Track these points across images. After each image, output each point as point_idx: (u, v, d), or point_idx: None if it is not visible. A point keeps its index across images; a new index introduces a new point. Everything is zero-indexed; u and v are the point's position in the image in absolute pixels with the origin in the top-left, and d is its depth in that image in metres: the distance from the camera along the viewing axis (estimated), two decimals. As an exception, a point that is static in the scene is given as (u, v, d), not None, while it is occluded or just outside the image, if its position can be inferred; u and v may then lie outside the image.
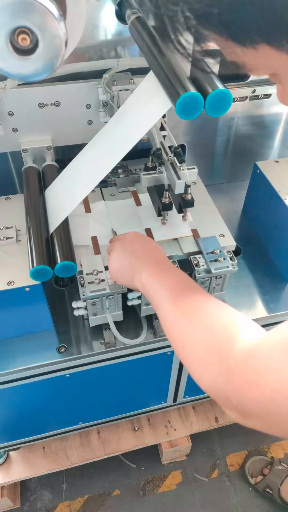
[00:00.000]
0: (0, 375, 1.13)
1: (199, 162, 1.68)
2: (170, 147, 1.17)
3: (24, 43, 0.67)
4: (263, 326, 1.28)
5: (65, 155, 1.39)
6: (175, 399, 1.58)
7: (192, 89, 0.78)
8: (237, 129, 1.61)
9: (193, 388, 1.55)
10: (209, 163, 1.72)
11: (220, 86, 0.79)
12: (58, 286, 1.33)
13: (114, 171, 1.34)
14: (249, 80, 1.44)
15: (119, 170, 1.34)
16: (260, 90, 1.45)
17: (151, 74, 0.94)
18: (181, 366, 1.38)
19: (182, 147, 1.57)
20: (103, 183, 1.39)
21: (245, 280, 1.38)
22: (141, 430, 1.74)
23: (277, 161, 1.45)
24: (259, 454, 1.88)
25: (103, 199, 1.30)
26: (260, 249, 1.48)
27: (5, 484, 1.63)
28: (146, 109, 0.94)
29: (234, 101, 1.47)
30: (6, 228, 1.17)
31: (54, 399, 1.34)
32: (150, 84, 0.95)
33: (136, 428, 1.74)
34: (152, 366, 1.33)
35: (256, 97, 1.48)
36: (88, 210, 1.26)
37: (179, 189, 1.06)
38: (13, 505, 1.70)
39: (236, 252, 1.47)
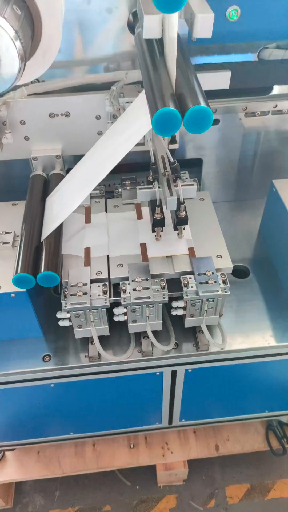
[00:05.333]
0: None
1: (219, 177, 1.62)
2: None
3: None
4: (263, 356, 1.22)
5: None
6: (170, 421, 1.52)
7: (171, 106, 0.74)
8: (263, 144, 1.54)
9: (190, 411, 1.48)
10: (231, 179, 1.65)
11: (202, 103, 0.75)
12: (57, 294, 1.33)
13: (122, 183, 1.33)
14: (271, 93, 1.36)
15: (126, 182, 1.32)
16: (283, 105, 1.37)
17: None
18: (173, 387, 1.33)
19: (198, 161, 1.53)
20: (110, 195, 1.38)
21: (249, 304, 1.31)
22: (137, 448, 1.70)
23: (295, 181, 1.36)
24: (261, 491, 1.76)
25: (106, 210, 1.29)
26: (271, 273, 1.39)
27: (-1, 483, 1.66)
28: (136, 122, 0.92)
29: (255, 116, 1.41)
30: (6, 233, 1.20)
31: (42, 406, 1.34)
32: (141, 99, 0.93)
33: (132, 446, 1.70)
34: (141, 385, 1.29)
35: (279, 112, 1.40)
36: (88, 220, 1.25)
37: (170, 205, 1.03)
38: (5, 505, 1.72)
39: (244, 274, 1.40)
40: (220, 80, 1.16)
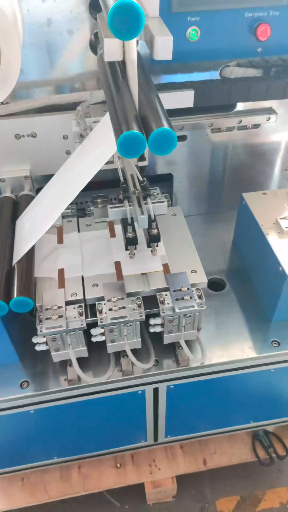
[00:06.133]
0: None
1: (190, 191, 1.64)
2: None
3: None
4: (243, 368, 1.22)
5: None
6: (155, 439, 1.50)
7: (135, 129, 0.75)
8: (232, 158, 1.57)
9: (174, 427, 1.47)
10: (202, 192, 1.67)
11: (165, 124, 0.76)
12: (32, 317, 1.31)
13: (93, 201, 1.33)
14: (235, 110, 1.39)
15: (98, 200, 1.32)
16: (247, 120, 1.40)
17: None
18: (156, 405, 1.32)
19: (169, 176, 1.54)
20: (82, 212, 1.37)
21: (227, 317, 1.31)
22: (124, 467, 1.67)
23: (264, 193, 1.38)
24: (252, 502, 1.76)
25: (78, 229, 1.28)
26: (246, 284, 1.40)
27: (-18, 515, 1.60)
28: (103, 141, 0.92)
29: (221, 131, 1.43)
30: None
31: (23, 433, 1.30)
32: (107, 120, 0.94)
33: (119, 465, 1.67)
34: (123, 405, 1.27)
35: (244, 127, 1.43)
36: (60, 240, 1.24)
37: (142, 224, 1.03)
38: (-10, 537, 1.66)
39: (221, 286, 1.41)
40: (184, 99, 1.18)
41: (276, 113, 1.38)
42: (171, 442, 1.57)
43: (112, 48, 0.85)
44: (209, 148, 1.50)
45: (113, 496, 1.79)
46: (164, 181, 1.56)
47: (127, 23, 0.63)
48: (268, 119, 1.39)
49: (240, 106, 1.38)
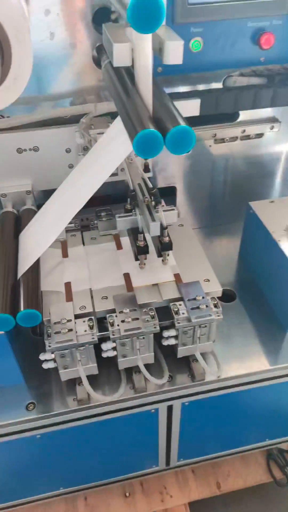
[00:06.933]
0: None
1: (193, 204, 1.62)
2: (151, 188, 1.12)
3: None
4: (261, 380, 1.17)
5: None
6: (168, 463, 1.42)
7: (151, 127, 0.73)
8: (234, 169, 1.56)
9: (188, 449, 1.40)
10: (206, 205, 1.65)
11: (182, 123, 0.74)
12: (35, 335, 1.25)
13: (97, 215, 1.30)
14: (238, 120, 1.40)
15: (102, 214, 1.29)
16: (251, 130, 1.41)
17: (118, 117, 0.91)
18: (169, 424, 1.25)
19: (172, 189, 1.53)
20: (85, 227, 1.34)
21: (239, 328, 1.27)
22: (133, 496, 1.57)
23: (272, 201, 1.37)
24: (269, 527, 1.66)
25: (83, 243, 1.25)
26: (257, 294, 1.37)
27: None
28: (110, 151, 0.90)
29: (224, 142, 1.43)
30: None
31: (27, 461, 1.22)
32: (116, 127, 0.92)
33: (128, 494, 1.57)
34: (135, 425, 1.20)
35: (247, 137, 1.43)
36: (65, 254, 1.20)
37: (154, 231, 1.00)
38: None
39: (231, 298, 1.38)
40: (190, 107, 1.17)
41: (280, 122, 1.39)
42: (183, 466, 1.49)
43: (121, 53, 0.84)
44: (211, 160, 1.50)
45: (122, 528, 1.68)
46: (168, 195, 1.54)
47: (148, 15, 0.62)
48: (272, 127, 1.40)
49: (243, 116, 1.39)
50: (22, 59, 0.67)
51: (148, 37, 0.77)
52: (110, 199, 1.46)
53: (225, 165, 1.54)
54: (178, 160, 1.47)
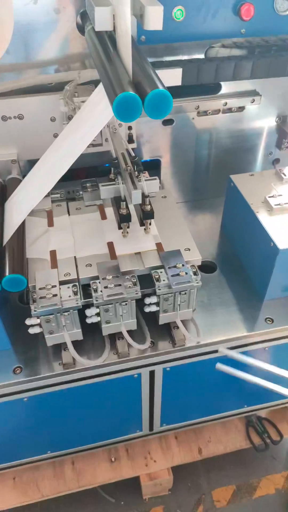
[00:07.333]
0: None
1: (178, 178, 1.64)
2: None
3: None
4: (241, 346, 1.22)
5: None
6: (151, 428, 1.48)
7: (130, 91, 0.74)
8: (217, 143, 1.58)
9: (170, 414, 1.45)
10: (190, 179, 1.67)
11: (160, 87, 0.76)
12: (22, 303, 1.28)
13: (83, 186, 1.31)
14: (220, 92, 1.41)
15: (87, 184, 1.30)
16: (232, 103, 1.42)
17: (100, 84, 0.92)
18: (152, 390, 1.29)
19: (157, 162, 1.54)
20: (71, 200, 1.35)
21: (219, 297, 1.31)
22: (119, 461, 1.63)
23: (251, 175, 1.40)
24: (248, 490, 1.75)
25: (68, 213, 1.26)
26: (237, 265, 1.41)
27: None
28: (92, 116, 0.91)
29: (207, 115, 1.45)
30: None
31: (16, 424, 1.26)
32: (98, 93, 0.93)
33: (113, 459, 1.63)
34: (119, 390, 1.24)
35: (230, 110, 1.45)
36: (51, 224, 1.22)
37: (135, 199, 1.02)
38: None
39: (212, 269, 1.41)
40: (172, 77, 1.18)
41: (260, 95, 1.41)
42: (166, 431, 1.55)
43: (103, 16, 0.85)
44: (194, 133, 1.51)
45: (107, 492, 1.75)
46: (152, 169, 1.56)
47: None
48: (253, 101, 1.41)
49: (225, 89, 1.40)
50: (3, 20, 0.67)
51: (127, 1, 0.78)
52: (96, 171, 1.47)
53: (209, 139, 1.55)
54: (162, 132, 1.48)
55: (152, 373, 1.23)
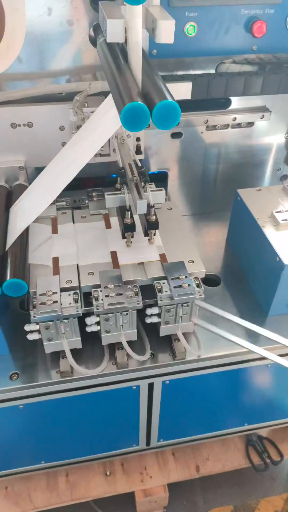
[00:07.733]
0: None
1: (184, 191, 1.65)
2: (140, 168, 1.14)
3: None
4: (242, 362, 1.20)
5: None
6: (148, 442, 1.45)
7: (139, 101, 0.75)
8: (225, 158, 1.59)
9: (168, 429, 1.42)
10: (196, 192, 1.68)
11: (168, 98, 0.76)
12: (23, 310, 1.27)
13: (89, 195, 1.31)
14: (230, 108, 1.42)
15: (93, 193, 1.31)
16: (242, 118, 1.43)
17: (110, 94, 0.93)
18: (150, 403, 1.27)
19: (164, 175, 1.55)
20: (77, 208, 1.35)
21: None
22: (114, 475, 1.60)
23: (259, 189, 1.40)
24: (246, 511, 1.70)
25: (73, 221, 1.27)
26: (241, 280, 1.40)
27: None
28: (100, 125, 0.92)
29: (216, 129, 1.46)
30: None
31: (11, 432, 1.24)
32: (107, 103, 0.94)
33: (108, 473, 1.60)
34: (116, 401, 1.23)
35: (239, 125, 1.45)
36: (55, 231, 1.22)
37: (140, 209, 1.02)
38: None
39: (216, 283, 1.40)
40: (182, 90, 1.19)
41: (270, 112, 1.41)
42: (164, 447, 1.52)
43: (115, 29, 0.86)
44: (203, 147, 1.52)
45: (101, 507, 1.71)
46: (159, 181, 1.56)
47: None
48: (262, 117, 1.42)
49: (235, 104, 1.41)
50: (15, 28, 0.69)
51: (139, 13, 0.79)
52: (103, 181, 1.48)
53: (217, 154, 1.56)
54: (170, 145, 1.49)
55: (151, 386, 1.21)
